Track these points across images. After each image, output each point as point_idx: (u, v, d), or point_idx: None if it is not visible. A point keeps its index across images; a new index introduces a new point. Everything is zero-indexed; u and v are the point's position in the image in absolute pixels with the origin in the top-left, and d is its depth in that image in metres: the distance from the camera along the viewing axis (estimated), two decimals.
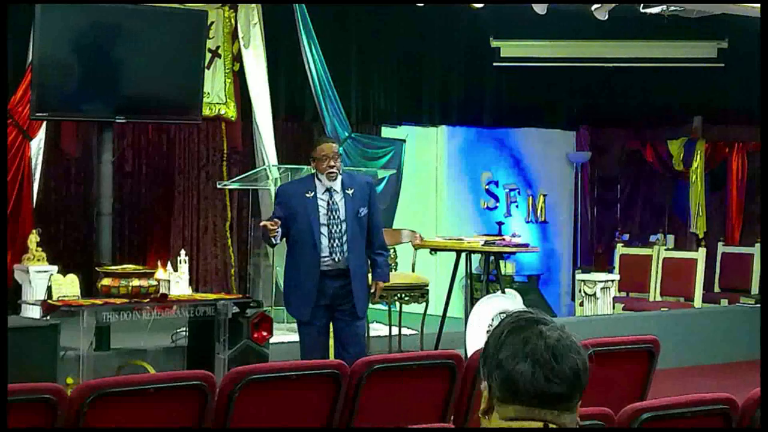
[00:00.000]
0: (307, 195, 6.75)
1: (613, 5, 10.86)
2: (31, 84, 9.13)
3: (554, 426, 2.09)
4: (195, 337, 7.74)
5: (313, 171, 6.88)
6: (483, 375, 2.16)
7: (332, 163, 6.75)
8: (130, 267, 7.61)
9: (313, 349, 6.69)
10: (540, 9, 10.81)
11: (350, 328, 6.84)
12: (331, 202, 6.78)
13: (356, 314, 6.82)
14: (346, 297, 6.79)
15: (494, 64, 13.44)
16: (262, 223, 6.79)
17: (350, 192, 6.81)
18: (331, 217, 6.77)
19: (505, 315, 2.21)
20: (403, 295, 9.32)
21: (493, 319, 7.32)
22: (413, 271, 9.83)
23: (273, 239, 6.70)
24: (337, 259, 6.76)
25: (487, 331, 7.29)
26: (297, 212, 6.76)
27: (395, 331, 9.47)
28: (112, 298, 7.15)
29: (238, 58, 11.07)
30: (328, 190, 6.78)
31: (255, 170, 10.52)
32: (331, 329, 6.93)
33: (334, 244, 6.75)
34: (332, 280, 6.77)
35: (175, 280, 7.70)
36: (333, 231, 6.75)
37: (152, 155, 11.57)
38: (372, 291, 6.95)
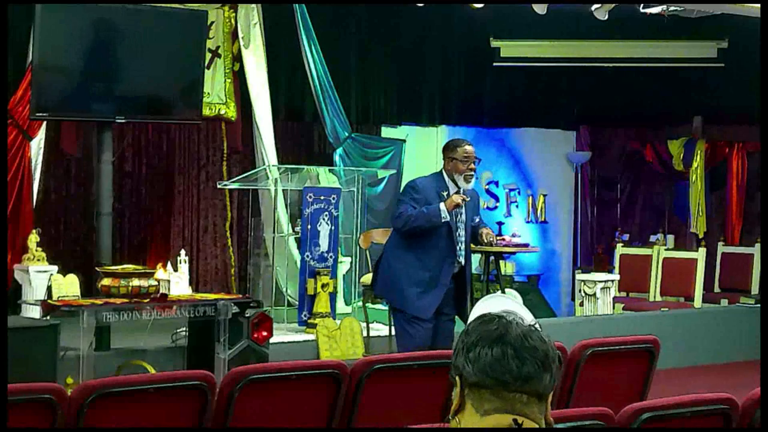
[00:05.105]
0: (443, 194, 6.67)
1: (613, 5, 10.87)
2: (31, 84, 9.12)
3: (522, 418, 2.09)
4: (195, 337, 7.74)
5: (443, 170, 6.76)
6: (455, 372, 2.16)
7: (472, 166, 6.70)
8: (130, 267, 7.60)
9: (424, 344, 6.62)
10: (540, 9, 10.82)
11: (447, 327, 6.88)
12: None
13: (455, 316, 6.91)
14: (449, 299, 6.85)
15: (494, 64, 13.44)
16: (459, 199, 6.58)
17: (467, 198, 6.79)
18: (458, 220, 6.76)
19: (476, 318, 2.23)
20: None
21: None
22: None
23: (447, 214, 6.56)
24: (458, 262, 6.80)
25: None
26: None
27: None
28: (112, 298, 7.15)
29: (238, 58, 11.07)
30: (458, 192, 6.70)
31: (255, 170, 10.53)
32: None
33: (458, 248, 6.78)
34: (450, 282, 6.82)
35: (175, 280, 7.71)
36: (458, 234, 6.76)
37: (152, 155, 11.57)
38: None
